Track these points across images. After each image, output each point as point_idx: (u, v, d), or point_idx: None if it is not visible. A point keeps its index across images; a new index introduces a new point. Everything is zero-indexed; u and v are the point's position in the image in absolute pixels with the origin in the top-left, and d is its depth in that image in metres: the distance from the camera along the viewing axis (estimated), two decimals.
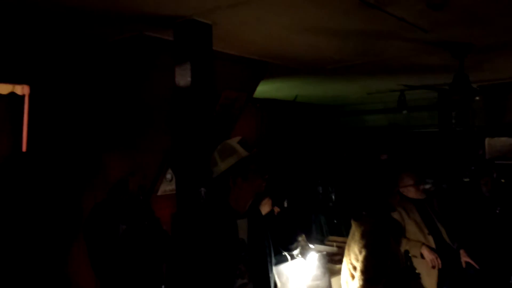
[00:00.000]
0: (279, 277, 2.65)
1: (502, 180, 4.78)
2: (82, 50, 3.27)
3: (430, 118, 7.10)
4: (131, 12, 2.65)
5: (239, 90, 4.11)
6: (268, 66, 4.08)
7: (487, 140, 6.70)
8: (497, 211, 4.37)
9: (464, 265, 3.65)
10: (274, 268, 2.33)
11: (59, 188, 2.78)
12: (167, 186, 4.02)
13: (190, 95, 2.77)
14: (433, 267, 3.44)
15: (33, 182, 2.34)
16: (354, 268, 2.60)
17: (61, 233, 2.72)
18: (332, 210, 6.57)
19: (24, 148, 3.27)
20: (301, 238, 2.84)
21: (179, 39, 2.85)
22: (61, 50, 3.23)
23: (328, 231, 6.21)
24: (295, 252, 2.82)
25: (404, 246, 3.40)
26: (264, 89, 5.49)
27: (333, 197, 6.81)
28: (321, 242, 3.84)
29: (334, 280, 3.11)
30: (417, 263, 3.10)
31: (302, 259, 2.81)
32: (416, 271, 2.67)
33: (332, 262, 3.30)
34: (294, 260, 2.83)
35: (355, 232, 2.63)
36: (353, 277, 2.62)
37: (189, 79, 2.76)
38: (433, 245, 3.59)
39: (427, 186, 4.13)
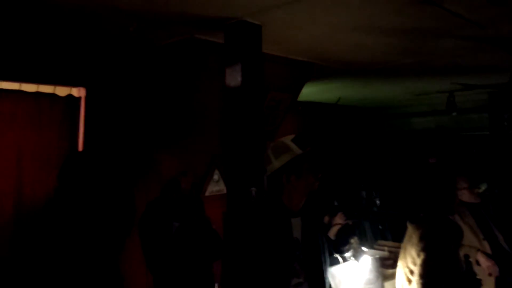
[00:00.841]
0: (332, 279, 2.60)
1: None
2: (135, 54, 3.37)
3: (479, 120, 6.83)
4: (183, 15, 2.70)
5: (284, 92, 4.11)
6: (313, 67, 4.05)
7: None
8: None
9: None
10: (328, 269, 2.29)
11: (114, 187, 2.86)
12: (214, 187, 4.06)
13: (240, 95, 2.79)
14: (490, 274, 3.27)
15: (90, 181, 2.42)
16: (411, 271, 2.52)
17: (116, 231, 2.79)
18: (376, 215, 6.42)
19: (80, 148, 3.41)
20: (354, 241, 2.77)
21: (229, 40, 2.88)
22: (115, 54, 3.34)
23: (372, 236, 6.08)
24: (348, 255, 2.76)
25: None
26: (306, 92, 5.45)
27: (378, 202, 6.65)
28: (370, 246, 3.76)
29: (386, 285, 3.03)
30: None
31: (355, 262, 2.75)
32: (477, 277, 2.54)
33: (384, 266, 3.21)
34: (346, 263, 2.78)
35: (412, 235, 2.54)
36: (409, 281, 2.53)
37: (239, 79, 2.78)
38: (489, 251, 3.42)
39: (481, 190, 3.97)
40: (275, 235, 2.02)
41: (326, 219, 2.63)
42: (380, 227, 6.30)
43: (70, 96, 3.38)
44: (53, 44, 3.10)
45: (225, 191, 4.20)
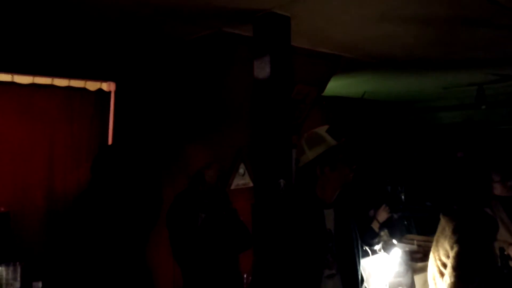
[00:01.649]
0: (362, 271, 2.58)
1: None
2: (164, 49, 3.41)
3: (508, 114, 6.65)
4: (211, 8, 2.71)
5: (311, 85, 4.08)
6: (340, 60, 4.01)
7: None
8: None
9: None
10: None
11: (143, 178, 2.90)
12: (240, 180, 4.08)
13: (269, 87, 2.78)
14: None
15: (122, 173, 2.45)
16: (443, 264, 2.47)
17: (144, 222, 2.83)
18: (401, 210, 6.33)
19: (110, 142, 3.47)
20: (384, 233, 2.75)
21: (258, 32, 2.88)
22: (144, 49, 3.38)
23: (399, 230, 6.00)
24: (377, 247, 2.73)
25: None
26: (331, 86, 5.39)
27: (403, 197, 6.56)
28: (398, 240, 3.71)
29: (416, 278, 2.99)
30: None
31: (385, 254, 2.71)
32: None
33: (413, 260, 3.17)
34: (375, 255, 2.75)
35: (445, 227, 2.49)
36: (441, 274, 2.48)
37: (268, 71, 2.77)
38: None
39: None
40: (306, 227, 2.00)
41: (371, 212, 2.62)
42: (405, 222, 6.22)
43: (100, 90, 3.44)
44: (83, 39, 3.16)
45: (250, 184, 4.21)
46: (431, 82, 5.66)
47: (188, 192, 2.95)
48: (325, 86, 4.33)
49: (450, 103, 7.30)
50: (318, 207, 2.05)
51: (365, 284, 2.26)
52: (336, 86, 5.59)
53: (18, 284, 2.25)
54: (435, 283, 2.54)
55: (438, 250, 2.55)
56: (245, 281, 2.69)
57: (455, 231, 2.39)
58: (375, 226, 2.79)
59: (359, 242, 2.19)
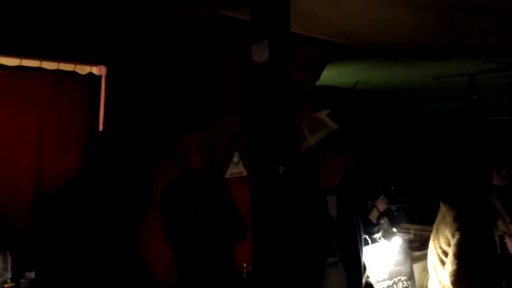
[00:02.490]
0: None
1: None
2: (157, 32, 3.29)
3: (498, 105, 6.71)
4: None
5: (306, 72, 4.02)
6: (336, 47, 3.96)
7: None
8: None
9: None
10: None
11: (133, 166, 2.81)
12: (234, 169, 4.00)
13: (268, 72, 2.71)
14: None
15: (115, 159, 2.36)
16: (444, 252, 2.45)
17: (135, 210, 2.74)
18: (391, 201, 6.36)
19: (101, 127, 3.35)
20: (384, 221, 2.72)
21: (256, 15, 2.79)
22: (137, 32, 3.26)
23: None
24: (377, 236, 2.71)
25: None
26: (323, 75, 5.32)
27: (392, 187, 6.59)
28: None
29: (414, 267, 2.98)
30: None
31: (385, 242, 2.69)
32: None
33: (410, 249, 3.15)
34: (375, 244, 2.72)
35: (446, 215, 2.47)
36: (442, 262, 2.47)
37: (267, 55, 2.69)
38: None
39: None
40: (309, 214, 1.95)
41: (369, 203, 2.58)
42: (395, 213, 6.26)
43: (90, 74, 3.30)
44: (73, 20, 3.03)
45: (245, 173, 4.14)
46: (423, 72, 5.66)
47: (181, 180, 2.87)
48: (320, 73, 4.28)
49: (439, 95, 7.34)
50: (320, 194, 2.00)
51: (367, 272, 2.23)
52: (328, 75, 5.53)
53: (9, 274, 2.15)
54: (436, 271, 2.53)
55: (438, 238, 2.53)
56: (245, 270, 2.64)
57: (456, 219, 2.38)
58: (375, 215, 2.76)
59: (362, 229, 2.15)
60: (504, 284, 2.39)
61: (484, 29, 3.46)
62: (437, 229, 2.56)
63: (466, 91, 5.80)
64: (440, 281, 2.48)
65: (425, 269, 3.22)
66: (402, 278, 2.80)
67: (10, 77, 2.99)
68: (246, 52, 2.79)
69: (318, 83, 5.94)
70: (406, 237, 2.97)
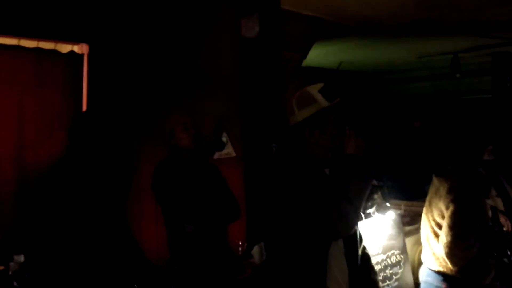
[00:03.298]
0: None
1: None
2: (141, 7, 3.17)
3: (479, 84, 6.80)
4: None
5: (293, 50, 3.95)
6: (324, 24, 3.90)
7: None
8: None
9: None
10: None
11: (118, 145, 2.72)
12: (223, 150, 3.94)
13: (258, 46, 2.65)
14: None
15: (97, 140, 2.27)
16: (438, 225, 2.47)
17: (121, 188, 2.66)
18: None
19: (84, 108, 3.23)
20: (377, 196, 2.72)
21: None
22: (120, 7, 3.13)
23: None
24: (371, 210, 2.70)
25: None
26: (307, 56, 5.30)
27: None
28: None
29: (406, 241, 3.01)
30: None
31: (379, 216, 2.69)
32: (505, 229, 2.51)
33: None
34: (369, 218, 2.72)
35: (439, 188, 2.48)
36: (436, 234, 2.49)
37: (257, 29, 2.63)
38: (502, 208, 3.43)
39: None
40: (311, 189, 1.89)
41: None
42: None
43: (72, 53, 3.16)
44: None
45: (234, 154, 4.08)
46: (407, 51, 5.67)
47: (172, 159, 2.79)
48: (308, 52, 4.22)
49: (421, 74, 7.39)
50: (317, 166, 1.95)
51: (363, 243, 2.22)
52: (313, 55, 5.49)
53: None
54: (429, 244, 2.56)
55: (431, 211, 2.55)
56: (240, 248, 2.61)
57: (450, 190, 2.39)
58: None
59: None
60: (495, 254, 2.44)
61: (473, 3, 3.46)
62: (430, 202, 2.57)
63: (450, 70, 5.84)
64: (434, 253, 2.51)
65: (416, 243, 3.26)
66: (396, 252, 2.83)
67: None
68: (235, 27, 2.72)
69: (304, 64, 5.91)
70: (398, 212, 2.99)
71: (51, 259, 2.23)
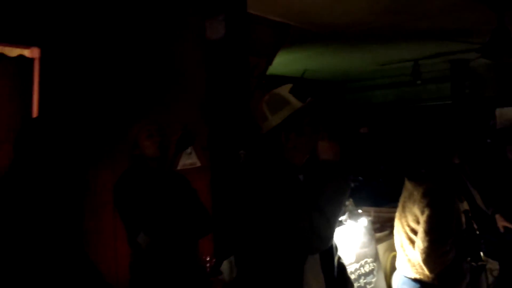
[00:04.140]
0: None
1: None
2: (99, 8, 2.97)
3: (438, 90, 6.98)
4: None
5: (259, 56, 3.85)
6: (289, 29, 3.84)
7: (498, 110, 6.60)
8: None
9: (502, 229, 3.52)
10: None
11: (69, 160, 2.49)
12: (187, 160, 3.75)
13: (225, 50, 2.52)
14: None
15: (44, 150, 2.05)
16: (413, 230, 2.41)
17: (72, 205, 2.44)
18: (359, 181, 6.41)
19: (34, 114, 2.98)
20: (349, 203, 2.63)
21: None
22: (76, 8, 2.92)
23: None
24: (343, 217, 2.61)
25: None
26: (271, 64, 5.24)
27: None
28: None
29: (378, 248, 2.94)
30: None
31: (351, 223, 2.61)
32: (477, 233, 2.49)
33: None
34: (341, 226, 2.63)
35: (413, 192, 2.43)
36: (411, 240, 2.43)
37: (222, 31, 2.51)
38: None
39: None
40: (286, 198, 1.76)
41: None
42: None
43: (21, 57, 2.91)
44: None
45: (198, 164, 3.90)
46: (371, 58, 5.73)
47: (136, 170, 2.59)
48: (273, 58, 4.14)
49: (383, 82, 7.52)
50: (292, 174, 1.83)
51: (339, 253, 2.12)
52: (277, 63, 5.43)
53: None
54: (404, 250, 2.49)
55: (405, 216, 2.49)
56: (208, 264, 2.43)
57: (425, 195, 2.34)
58: None
59: None
60: (469, 259, 2.40)
61: (433, 9, 3.49)
62: (403, 207, 2.51)
63: (411, 77, 5.95)
64: (409, 260, 2.44)
65: (387, 250, 3.21)
66: (368, 260, 2.75)
67: None
68: (202, 31, 2.58)
69: (268, 72, 5.84)
70: (369, 219, 2.92)
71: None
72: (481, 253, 2.52)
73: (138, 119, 2.61)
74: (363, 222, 2.68)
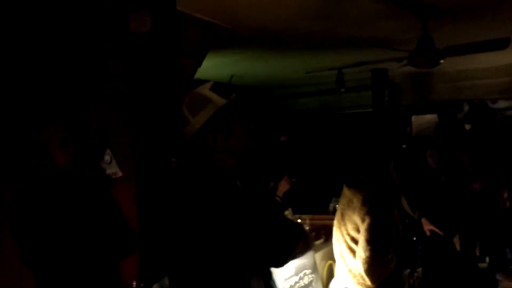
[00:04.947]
0: None
1: None
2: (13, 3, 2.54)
3: (358, 98, 7.23)
4: None
5: (187, 57, 3.61)
6: (219, 30, 3.66)
7: (413, 118, 7.01)
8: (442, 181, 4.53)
9: (428, 233, 3.64)
10: None
11: None
12: (107, 170, 3.38)
13: (152, 45, 2.27)
14: None
15: None
16: (353, 239, 2.33)
17: None
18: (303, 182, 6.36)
19: None
20: (288, 212, 2.50)
21: None
22: None
23: None
24: None
25: None
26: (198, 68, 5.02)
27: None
28: None
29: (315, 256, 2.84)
30: None
31: None
32: (414, 239, 2.49)
33: None
34: None
35: (352, 199, 2.35)
36: (351, 249, 2.35)
37: (149, 24, 2.25)
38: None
39: None
40: (221, 212, 1.55)
41: (271, 184, 2.30)
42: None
43: None
44: None
45: (120, 174, 3.54)
46: (297, 65, 5.74)
47: (41, 185, 2.20)
48: (202, 60, 3.92)
49: (308, 90, 7.63)
50: (227, 180, 1.62)
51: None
52: (204, 67, 5.22)
53: None
54: (344, 260, 2.40)
55: (345, 225, 2.41)
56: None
57: (365, 202, 2.27)
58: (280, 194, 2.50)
59: None
60: (407, 266, 2.38)
61: (362, 16, 3.52)
62: (342, 215, 2.43)
63: (335, 85, 6.07)
64: (350, 270, 2.36)
65: (323, 259, 3.13)
66: (307, 272, 2.63)
67: None
68: (127, 28, 2.30)
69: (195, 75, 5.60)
70: (307, 228, 2.81)
71: None
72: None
73: (49, 123, 2.25)
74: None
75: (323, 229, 3.40)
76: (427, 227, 3.68)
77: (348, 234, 2.37)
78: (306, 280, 2.63)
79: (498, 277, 3.87)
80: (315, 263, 2.76)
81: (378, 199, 2.28)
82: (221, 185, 1.56)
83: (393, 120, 6.67)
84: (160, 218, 2.03)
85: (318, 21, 3.62)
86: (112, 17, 2.66)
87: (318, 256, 3.07)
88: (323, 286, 2.94)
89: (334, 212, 3.65)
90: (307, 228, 2.80)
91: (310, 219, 3.58)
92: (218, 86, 1.59)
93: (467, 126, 5.68)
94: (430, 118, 6.73)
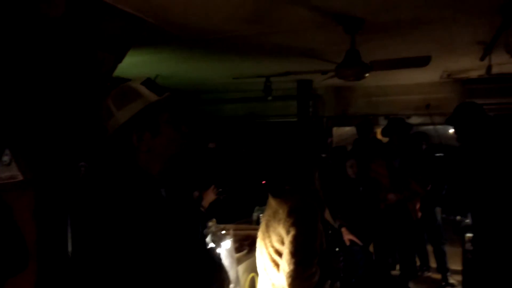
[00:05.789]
0: None
1: None
2: None
3: (285, 107, 7.30)
4: None
5: (106, 51, 3.31)
6: (144, 25, 3.42)
7: (334, 130, 7.24)
8: (360, 190, 4.69)
9: (348, 242, 3.69)
10: None
11: None
12: (5, 172, 2.95)
13: (64, 33, 1.99)
14: None
15: None
16: (277, 252, 2.22)
17: None
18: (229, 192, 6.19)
19: None
20: (212, 223, 2.34)
21: None
22: None
23: None
24: (206, 240, 2.29)
25: None
26: (119, 65, 4.69)
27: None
28: None
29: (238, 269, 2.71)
30: None
31: (216, 247, 2.31)
32: (337, 250, 2.45)
33: None
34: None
35: (277, 210, 2.25)
36: (275, 262, 2.24)
37: (62, 8, 1.98)
38: None
39: None
40: (148, 220, 1.35)
41: (196, 194, 2.12)
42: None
43: None
44: None
45: (20, 177, 3.13)
46: (224, 70, 5.65)
47: None
48: (123, 56, 3.63)
49: (235, 96, 7.57)
50: (151, 187, 1.43)
51: None
52: (126, 64, 4.89)
53: None
54: (268, 274, 2.28)
55: (269, 236, 2.30)
56: None
57: (291, 213, 2.18)
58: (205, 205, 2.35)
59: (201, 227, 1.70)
60: (329, 281, 2.33)
61: (292, 24, 3.50)
62: (267, 226, 2.32)
63: (263, 92, 6.05)
64: (273, 284, 2.25)
65: (246, 271, 3.00)
66: (231, 286, 2.47)
67: None
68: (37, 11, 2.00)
69: (114, 73, 5.22)
70: (231, 239, 2.67)
71: None
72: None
73: None
74: (226, 244, 2.41)
75: (247, 240, 3.29)
76: (347, 236, 3.74)
77: (272, 246, 2.26)
78: None
79: (411, 285, 4.03)
80: (238, 276, 2.62)
81: (304, 210, 2.20)
82: (142, 190, 1.37)
83: (316, 130, 6.82)
84: (62, 231, 1.78)
85: (249, 25, 3.53)
86: None
87: (241, 268, 2.94)
88: None
89: (258, 221, 3.56)
90: (231, 239, 2.65)
91: (234, 229, 3.44)
92: (151, 82, 1.45)
93: (384, 139, 5.97)
94: (349, 130, 7.00)
